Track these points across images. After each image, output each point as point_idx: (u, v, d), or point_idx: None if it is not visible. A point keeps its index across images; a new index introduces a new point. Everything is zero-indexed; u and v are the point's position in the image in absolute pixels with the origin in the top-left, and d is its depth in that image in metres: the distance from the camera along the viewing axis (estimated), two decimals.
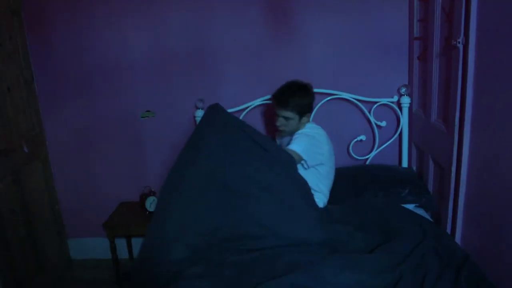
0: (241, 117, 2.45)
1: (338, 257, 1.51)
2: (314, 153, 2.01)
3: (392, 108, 2.45)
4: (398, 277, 1.42)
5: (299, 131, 2.08)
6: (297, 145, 1.98)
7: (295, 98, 2.03)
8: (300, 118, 2.07)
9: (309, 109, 2.11)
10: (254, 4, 2.39)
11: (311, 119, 2.21)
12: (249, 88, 2.49)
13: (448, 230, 1.90)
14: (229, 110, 2.41)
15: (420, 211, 2.07)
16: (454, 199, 1.85)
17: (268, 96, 2.42)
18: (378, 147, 2.49)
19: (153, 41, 2.46)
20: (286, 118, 2.05)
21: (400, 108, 2.42)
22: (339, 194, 2.10)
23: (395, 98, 2.41)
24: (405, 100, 2.38)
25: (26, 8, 2.44)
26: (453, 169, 1.81)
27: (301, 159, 1.97)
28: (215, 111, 1.89)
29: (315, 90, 2.36)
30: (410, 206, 2.07)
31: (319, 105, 2.42)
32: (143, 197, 2.53)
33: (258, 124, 2.53)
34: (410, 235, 1.67)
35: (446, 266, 1.47)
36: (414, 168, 2.45)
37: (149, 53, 2.48)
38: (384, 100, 2.41)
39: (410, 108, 2.42)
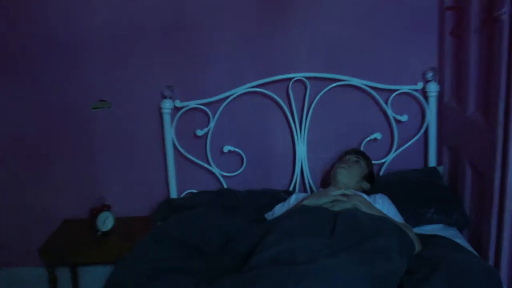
0: (221, 108, 2.43)
1: None
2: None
3: (415, 97, 2.45)
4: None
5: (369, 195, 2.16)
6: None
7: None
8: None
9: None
10: None
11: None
12: (232, 73, 2.49)
13: (491, 257, 1.86)
14: (207, 100, 2.45)
15: (451, 232, 2.07)
16: (498, 215, 1.83)
17: (256, 83, 2.41)
18: (398, 148, 2.49)
19: (114, 12, 2.43)
20: (357, 161, 2.24)
21: (426, 98, 2.42)
22: None
23: (420, 85, 2.42)
24: (433, 88, 2.38)
25: None
26: (497, 176, 1.79)
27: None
28: None
29: (314, 74, 2.41)
30: (437, 227, 2.13)
31: (320, 94, 2.41)
32: (94, 212, 2.48)
33: (242, 117, 2.53)
34: None
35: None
36: (446, 176, 2.43)
37: (107, 27, 2.45)
38: (405, 88, 2.41)
39: (439, 98, 2.41)
